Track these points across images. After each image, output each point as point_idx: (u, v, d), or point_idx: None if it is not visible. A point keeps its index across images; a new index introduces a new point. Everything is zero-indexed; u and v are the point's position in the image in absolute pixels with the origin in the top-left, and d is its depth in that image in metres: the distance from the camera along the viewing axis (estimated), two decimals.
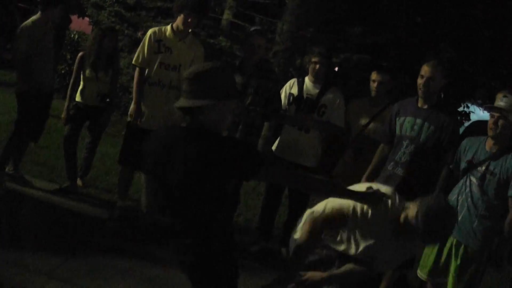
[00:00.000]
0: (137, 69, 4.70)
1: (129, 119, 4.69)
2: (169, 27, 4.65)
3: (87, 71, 5.29)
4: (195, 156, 2.27)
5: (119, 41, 9.27)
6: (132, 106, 4.65)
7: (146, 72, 4.63)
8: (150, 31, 4.66)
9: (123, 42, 8.91)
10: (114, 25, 9.23)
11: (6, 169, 5.17)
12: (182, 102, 2.33)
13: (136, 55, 4.69)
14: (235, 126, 4.41)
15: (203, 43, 5.55)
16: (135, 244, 4.46)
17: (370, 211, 2.74)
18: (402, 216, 2.75)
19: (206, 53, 5.03)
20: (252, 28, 4.74)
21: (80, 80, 5.38)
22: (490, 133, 3.54)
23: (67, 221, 4.69)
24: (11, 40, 10.77)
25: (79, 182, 5.53)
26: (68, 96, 5.40)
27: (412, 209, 2.71)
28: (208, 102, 2.27)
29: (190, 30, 4.70)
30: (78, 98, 5.37)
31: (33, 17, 4.93)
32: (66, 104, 5.38)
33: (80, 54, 5.44)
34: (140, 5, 9.03)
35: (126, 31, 8.91)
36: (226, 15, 8.81)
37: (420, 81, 3.96)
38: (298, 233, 3.00)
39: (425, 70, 3.96)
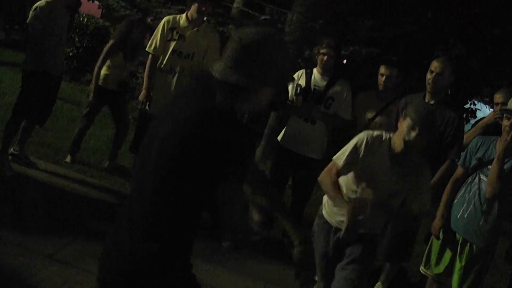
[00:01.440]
0: (150, 55, 4.76)
1: (140, 106, 4.74)
2: (183, 15, 4.72)
3: (116, 59, 5.41)
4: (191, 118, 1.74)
5: None
6: (142, 92, 4.72)
7: (160, 59, 4.68)
8: (164, 19, 4.72)
9: None
10: (124, 10, 9.26)
11: (12, 149, 5.18)
12: (224, 73, 1.77)
13: (149, 42, 4.76)
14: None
15: None
16: None
17: (372, 140, 3.08)
18: (397, 141, 3.02)
19: None
20: (262, 18, 4.73)
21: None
22: (505, 135, 3.51)
23: (70, 203, 4.71)
24: (19, 22, 10.81)
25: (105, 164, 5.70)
26: (95, 77, 5.46)
27: (400, 128, 3.00)
28: (254, 84, 1.78)
29: (205, 19, 4.71)
30: (100, 82, 5.46)
31: None
32: (93, 84, 5.46)
33: (111, 42, 5.51)
34: None
35: (135, 17, 8.89)
36: (236, 4, 8.78)
37: (429, 76, 4.01)
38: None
39: (435, 65, 4.00)
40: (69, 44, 9.40)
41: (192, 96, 1.83)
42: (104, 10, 11.87)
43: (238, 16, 8.42)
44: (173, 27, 4.66)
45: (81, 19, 9.99)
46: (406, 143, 2.96)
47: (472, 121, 10.16)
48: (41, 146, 5.82)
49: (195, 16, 4.63)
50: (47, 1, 4.87)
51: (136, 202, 1.84)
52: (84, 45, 9.90)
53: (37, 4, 4.86)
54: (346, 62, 7.84)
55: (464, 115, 10.25)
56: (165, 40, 4.64)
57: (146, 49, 4.80)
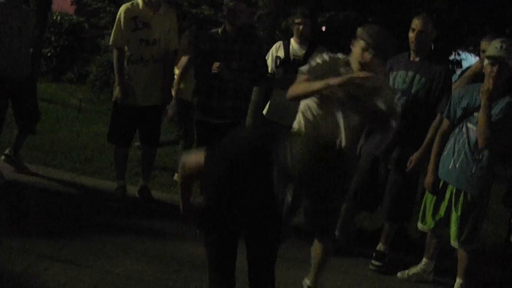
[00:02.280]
0: (115, 49, 4.61)
1: (114, 98, 4.65)
2: (140, 0, 4.54)
3: (191, 72, 5.19)
4: None
5: (101, 19, 9.22)
6: (117, 87, 4.58)
7: (127, 50, 4.55)
8: (122, 9, 4.54)
9: (106, 20, 8.83)
10: (96, 3, 9.16)
11: (7, 150, 5.19)
12: None
13: (112, 35, 4.59)
14: (223, 91, 4.41)
15: (186, 14, 5.49)
16: (134, 221, 4.50)
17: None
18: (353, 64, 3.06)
19: (190, 23, 4.98)
20: None
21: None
22: (491, 80, 3.50)
23: (65, 203, 4.71)
24: None
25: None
26: (175, 98, 5.38)
27: (354, 51, 3.06)
28: None
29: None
30: (183, 97, 5.38)
31: None
32: (175, 107, 5.42)
33: (186, 57, 5.40)
34: None
35: (108, 8, 8.80)
36: None
37: (411, 34, 4.00)
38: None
39: (415, 23, 3.99)
40: (46, 45, 9.31)
41: None
42: (77, 6, 11.74)
43: None
44: (134, 16, 4.49)
45: (55, 17, 9.89)
46: (361, 65, 3.00)
47: (459, 72, 10.15)
48: (30, 149, 5.79)
49: None
50: None
51: None
52: (61, 43, 9.83)
53: None
54: (325, 28, 7.80)
55: (450, 66, 10.23)
56: (129, 31, 4.49)
57: (110, 43, 4.65)
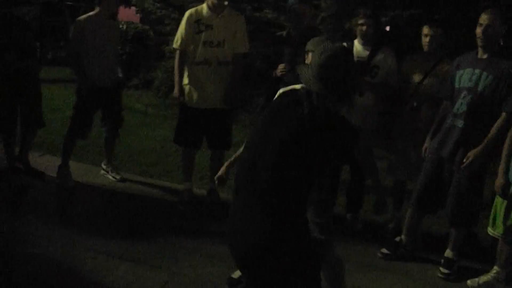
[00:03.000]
0: (177, 52, 4.73)
1: (178, 101, 4.78)
2: (204, 5, 4.64)
3: None
4: (299, 122, 2.26)
5: (166, 26, 9.43)
6: (176, 88, 4.72)
7: (191, 52, 4.64)
8: (187, 13, 4.68)
9: (170, 27, 9.00)
10: (160, 11, 9.37)
11: (102, 164, 5.50)
12: (313, 85, 2.31)
13: (176, 38, 4.73)
14: None
15: (249, 18, 5.50)
16: (201, 223, 4.56)
17: None
18: None
19: (253, 27, 4.99)
20: None
21: None
22: None
23: (133, 205, 4.85)
24: (64, 39, 11.16)
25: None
26: None
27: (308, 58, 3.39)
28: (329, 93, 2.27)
29: (226, 3, 4.66)
30: None
31: (90, 13, 5.06)
32: None
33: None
34: None
35: (172, 15, 8.99)
36: None
37: (479, 29, 3.84)
38: None
39: (483, 18, 3.82)
40: None
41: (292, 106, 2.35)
42: (142, 15, 12.07)
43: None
44: (198, 19, 4.60)
45: (121, 26, 10.21)
46: None
47: None
48: (99, 154, 5.94)
49: (215, 2, 4.57)
50: (89, 15, 5.00)
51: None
52: (127, 51, 10.12)
53: (77, 19, 5.01)
54: (390, 28, 7.63)
55: None
56: (192, 34, 4.59)
57: (174, 45, 4.79)
